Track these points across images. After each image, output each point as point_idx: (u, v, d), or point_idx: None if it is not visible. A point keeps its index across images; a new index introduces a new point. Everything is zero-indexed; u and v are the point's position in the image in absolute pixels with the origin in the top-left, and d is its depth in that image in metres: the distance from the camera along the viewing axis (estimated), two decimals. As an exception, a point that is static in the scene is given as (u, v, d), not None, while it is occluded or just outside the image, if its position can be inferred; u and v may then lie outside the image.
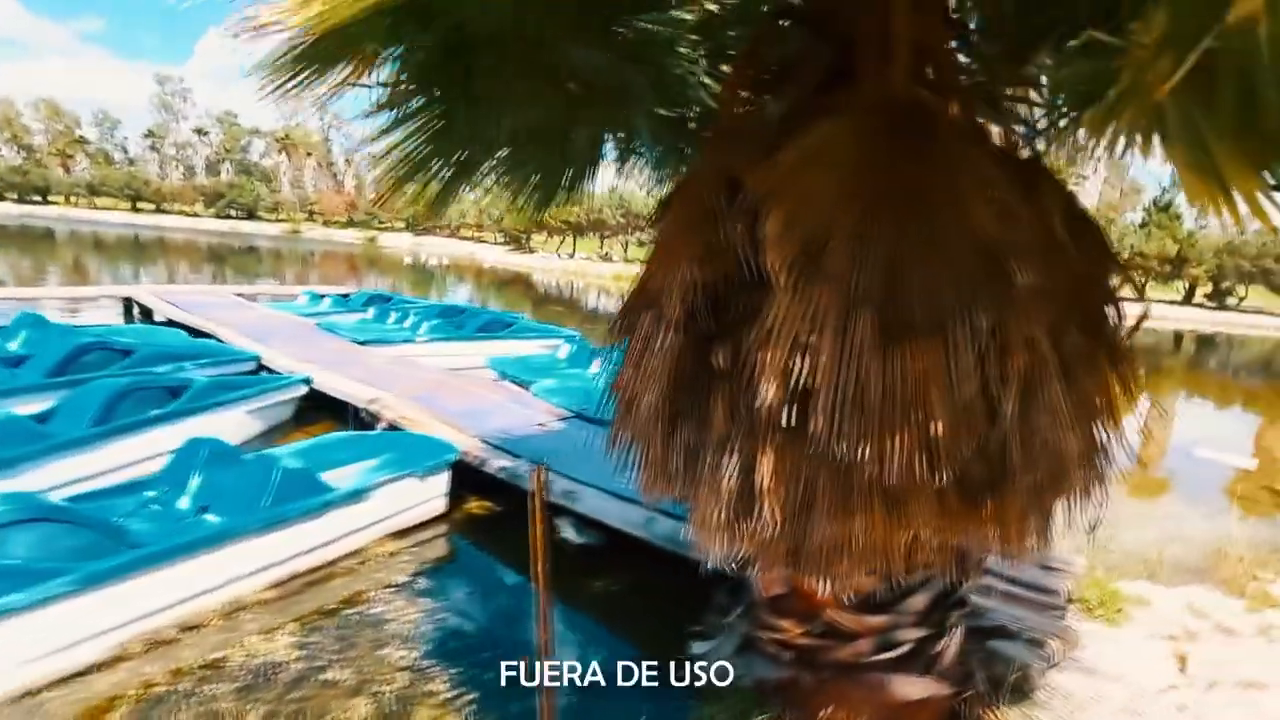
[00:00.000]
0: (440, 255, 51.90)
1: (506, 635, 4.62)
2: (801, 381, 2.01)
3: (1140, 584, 5.13)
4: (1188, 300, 38.69)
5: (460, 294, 31.15)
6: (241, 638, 4.13)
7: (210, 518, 4.98)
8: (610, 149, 4.39)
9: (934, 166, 2.11)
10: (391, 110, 2.85)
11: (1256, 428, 15.97)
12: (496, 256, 51.75)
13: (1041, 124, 3.28)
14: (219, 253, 42.03)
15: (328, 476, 5.63)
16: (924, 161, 2.11)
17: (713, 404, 2.34)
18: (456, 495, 6.31)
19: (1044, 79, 3.21)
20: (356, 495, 5.27)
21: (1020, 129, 3.46)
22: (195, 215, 65.67)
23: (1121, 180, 55.50)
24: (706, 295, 2.29)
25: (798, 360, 2.00)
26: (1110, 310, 2.49)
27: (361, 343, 11.80)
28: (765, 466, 2.17)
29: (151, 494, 5.32)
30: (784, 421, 2.04)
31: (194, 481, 5.32)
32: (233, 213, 65.99)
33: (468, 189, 3.64)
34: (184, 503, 5.21)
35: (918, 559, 2.48)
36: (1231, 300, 38.42)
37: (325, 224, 65.91)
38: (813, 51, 2.74)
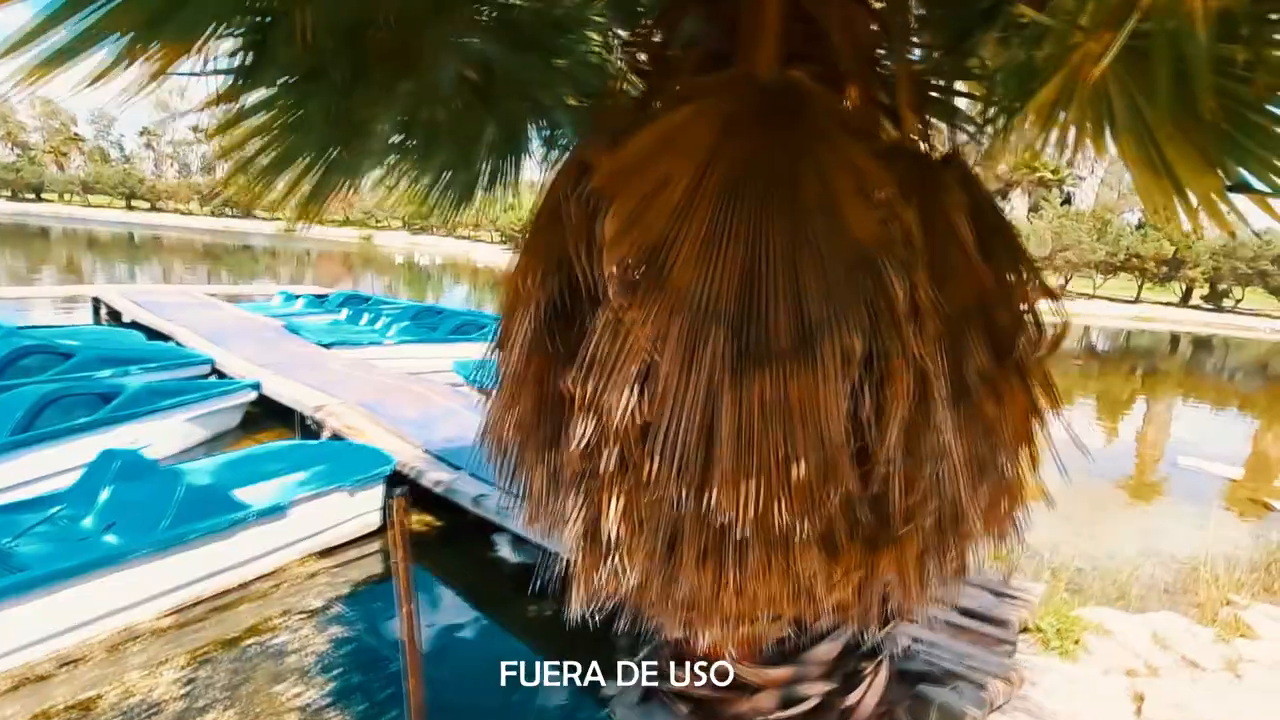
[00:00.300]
0: (434, 254, 51.63)
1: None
2: (633, 414, 1.70)
3: (1104, 610, 4.82)
4: (1184, 302, 38.36)
5: (457, 293, 30.93)
6: (123, 673, 3.83)
7: (110, 538, 4.67)
8: (536, 144, 4.12)
9: (806, 160, 1.79)
10: (233, 103, 2.53)
11: (1253, 433, 15.62)
12: (491, 255, 51.38)
13: (985, 116, 3.00)
14: (214, 251, 41.77)
15: (253, 490, 5.32)
16: (793, 154, 1.80)
17: (565, 436, 2.03)
18: (394, 509, 6.00)
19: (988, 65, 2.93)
20: (273, 512, 4.96)
21: (947, 122, 3.17)
22: (190, 214, 65.34)
23: (1120, 181, 55.09)
24: (549, 308, 1.98)
25: (628, 389, 1.69)
26: (1028, 325, 2.17)
27: (326, 345, 11.50)
28: (613, 511, 1.86)
29: (58, 510, 5.01)
30: (607, 462, 1.74)
31: (102, 497, 5.01)
32: (228, 211, 65.58)
33: (353, 186, 3.32)
34: (89, 521, 4.90)
35: (811, 609, 2.18)
36: (1228, 302, 38.08)
37: (321, 222, 65.48)
38: (703, 33, 2.43)
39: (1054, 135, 2.73)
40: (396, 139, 3.38)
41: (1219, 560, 6.48)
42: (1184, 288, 38.34)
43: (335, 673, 4.00)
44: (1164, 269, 36.55)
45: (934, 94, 2.98)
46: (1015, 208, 47.47)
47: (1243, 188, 2.23)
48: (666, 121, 1.84)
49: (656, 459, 1.67)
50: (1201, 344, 31.18)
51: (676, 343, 1.68)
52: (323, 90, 2.64)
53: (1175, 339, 31.68)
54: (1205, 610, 5.22)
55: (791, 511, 1.70)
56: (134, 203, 66.29)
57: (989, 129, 3.04)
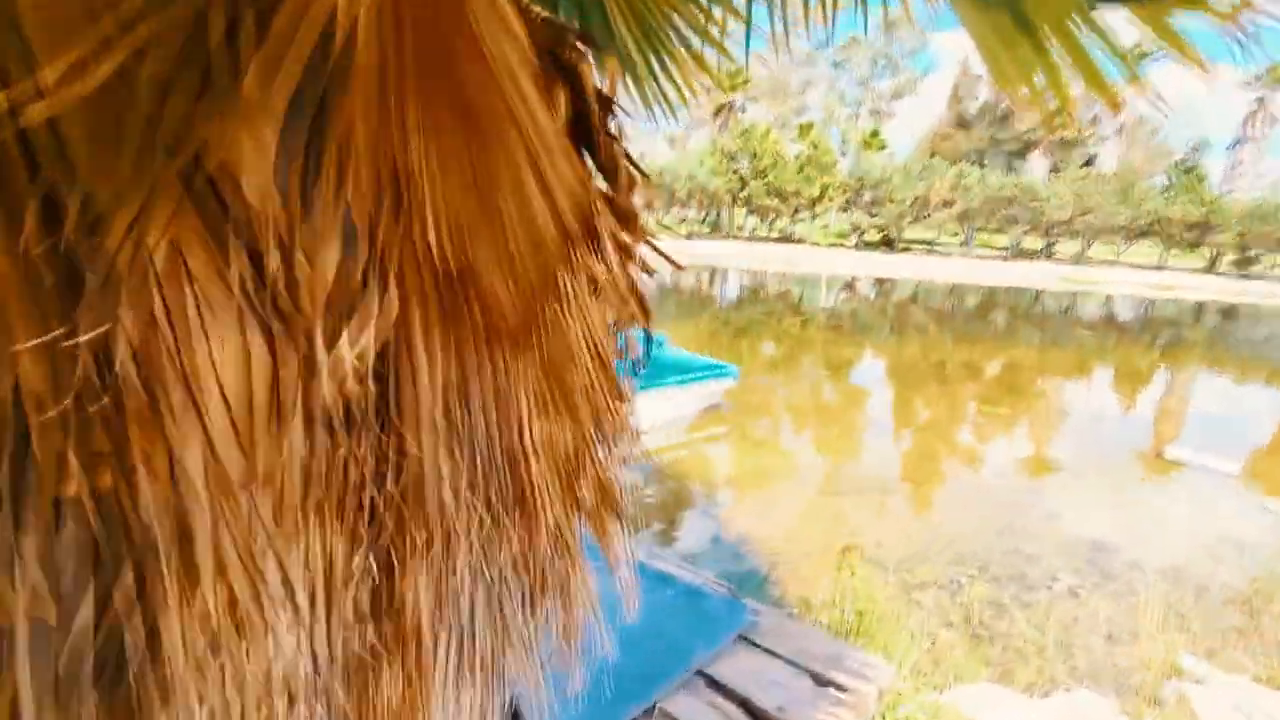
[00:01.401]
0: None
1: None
2: None
3: (994, 691, 3.65)
4: (1211, 268, 36.09)
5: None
6: None
7: None
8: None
9: None
10: None
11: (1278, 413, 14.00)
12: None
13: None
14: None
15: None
16: None
17: None
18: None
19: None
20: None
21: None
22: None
23: (1149, 141, 51.96)
24: None
25: None
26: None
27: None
28: None
29: None
30: None
31: None
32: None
33: None
34: None
35: None
36: (1257, 268, 35.73)
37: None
38: None
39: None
40: None
41: (1186, 600, 5.27)
42: (1211, 253, 36.04)
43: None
44: (1191, 234, 34.28)
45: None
46: (1035, 169, 45.01)
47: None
48: None
49: None
50: (1228, 313, 29.18)
51: None
52: None
53: (1200, 307, 29.69)
54: (1143, 683, 4.03)
55: None
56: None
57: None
